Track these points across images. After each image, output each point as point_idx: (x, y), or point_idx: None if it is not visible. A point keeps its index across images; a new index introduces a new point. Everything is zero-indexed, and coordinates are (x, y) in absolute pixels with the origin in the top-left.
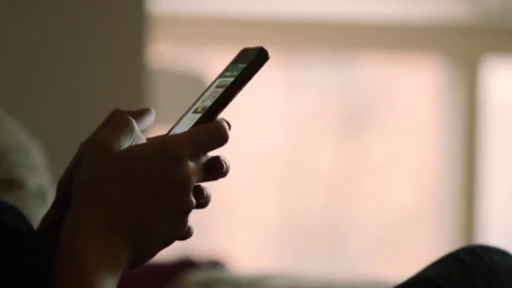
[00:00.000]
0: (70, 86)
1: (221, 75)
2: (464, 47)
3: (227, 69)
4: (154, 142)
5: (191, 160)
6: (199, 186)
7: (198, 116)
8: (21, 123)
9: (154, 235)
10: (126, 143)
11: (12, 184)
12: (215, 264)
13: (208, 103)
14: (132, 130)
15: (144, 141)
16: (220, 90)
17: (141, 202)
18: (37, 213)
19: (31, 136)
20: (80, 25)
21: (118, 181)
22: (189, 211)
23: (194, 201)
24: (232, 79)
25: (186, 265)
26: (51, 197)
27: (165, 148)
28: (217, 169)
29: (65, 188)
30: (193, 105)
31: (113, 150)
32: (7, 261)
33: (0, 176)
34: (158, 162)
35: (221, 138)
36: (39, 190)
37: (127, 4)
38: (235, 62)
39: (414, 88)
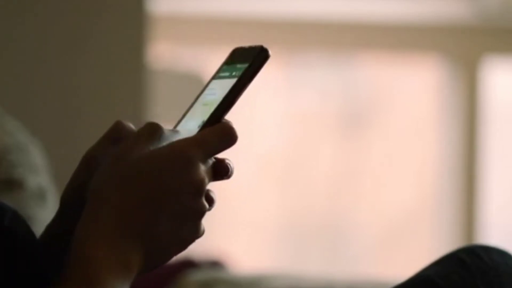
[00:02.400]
0: (70, 86)
1: (217, 76)
2: (464, 47)
3: (221, 69)
4: (166, 147)
5: (202, 163)
6: (208, 190)
7: (201, 118)
8: (21, 123)
9: (168, 239)
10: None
11: (12, 184)
12: (215, 264)
13: (212, 104)
14: (160, 139)
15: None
16: (224, 92)
17: (154, 206)
18: (37, 213)
19: (31, 136)
20: (80, 25)
21: (131, 185)
22: (203, 214)
23: (207, 204)
24: (234, 79)
25: (186, 265)
26: (51, 197)
27: (177, 152)
28: (223, 172)
29: (69, 199)
30: (190, 108)
31: (130, 156)
32: (5, 262)
33: (0, 176)
34: (171, 167)
35: (230, 139)
36: (39, 190)
37: (127, 4)
38: (230, 62)
39: (414, 88)
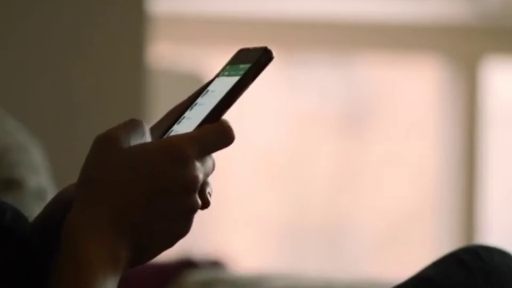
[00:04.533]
0: (70, 86)
1: (220, 75)
2: (464, 47)
3: (224, 69)
4: (161, 142)
5: (197, 160)
6: (203, 188)
7: (200, 116)
8: (21, 123)
9: (158, 235)
10: (135, 142)
11: (12, 184)
12: (215, 264)
13: (211, 103)
14: (142, 131)
15: None
16: (224, 90)
17: (146, 201)
18: (37, 213)
19: (31, 136)
20: (80, 25)
21: (123, 178)
22: (194, 211)
23: (199, 201)
24: (236, 78)
25: (186, 265)
26: (51, 197)
27: (173, 147)
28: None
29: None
30: (190, 105)
31: (120, 147)
32: (5, 261)
33: (0, 176)
34: (165, 161)
35: (227, 139)
36: (39, 190)
37: (127, 4)
38: (233, 62)
39: (415, 88)
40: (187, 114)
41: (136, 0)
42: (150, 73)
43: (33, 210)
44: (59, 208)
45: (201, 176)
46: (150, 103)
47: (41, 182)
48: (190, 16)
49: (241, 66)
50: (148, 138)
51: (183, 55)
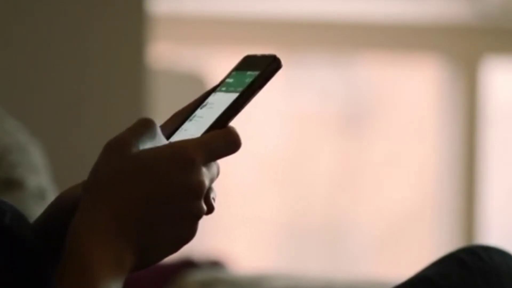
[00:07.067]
0: (70, 86)
1: (225, 81)
2: (464, 47)
3: (230, 75)
4: (169, 146)
5: (203, 166)
6: (207, 193)
7: (207, 122)
8: (21, 123)
9: (163, 240)
10: (145, 146)
11: (12, 184)
12: (215, 264)
13: (219, 108)
14: (153, 133)
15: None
16: (232, 97)
17: (152, 205)
18: (37, 213)
19: (31, 136)
20: (80, 25)
21: (129, 182)
22: (199, 216)
23: (205, 207)
24: (244, 85)
25: (186, 265)
26: (51, 197)
27: (180, 153)
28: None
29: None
30: (197, 108)
31: (128, 150)
32: (6, 261)
33: (0, 176)
34: (172, 166)
35: (234, 146)
36: (39, 190)
37: (127, 4)
38: (240, 69)
39: (415, 88)
40: (199, 112)
41: (136, 0)
42: (150, 73)
43: (33, 210)
44: (58, 211)
45: (207, 182)
46: (150, 103)
47: (41, 182)
48: (190, 16)
49: (249, 73)
50: (159, 138)
51: (183, 55)
